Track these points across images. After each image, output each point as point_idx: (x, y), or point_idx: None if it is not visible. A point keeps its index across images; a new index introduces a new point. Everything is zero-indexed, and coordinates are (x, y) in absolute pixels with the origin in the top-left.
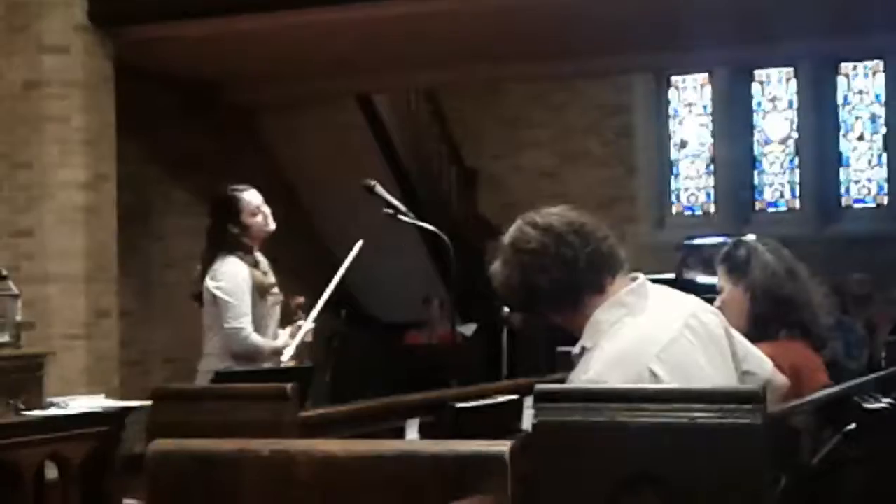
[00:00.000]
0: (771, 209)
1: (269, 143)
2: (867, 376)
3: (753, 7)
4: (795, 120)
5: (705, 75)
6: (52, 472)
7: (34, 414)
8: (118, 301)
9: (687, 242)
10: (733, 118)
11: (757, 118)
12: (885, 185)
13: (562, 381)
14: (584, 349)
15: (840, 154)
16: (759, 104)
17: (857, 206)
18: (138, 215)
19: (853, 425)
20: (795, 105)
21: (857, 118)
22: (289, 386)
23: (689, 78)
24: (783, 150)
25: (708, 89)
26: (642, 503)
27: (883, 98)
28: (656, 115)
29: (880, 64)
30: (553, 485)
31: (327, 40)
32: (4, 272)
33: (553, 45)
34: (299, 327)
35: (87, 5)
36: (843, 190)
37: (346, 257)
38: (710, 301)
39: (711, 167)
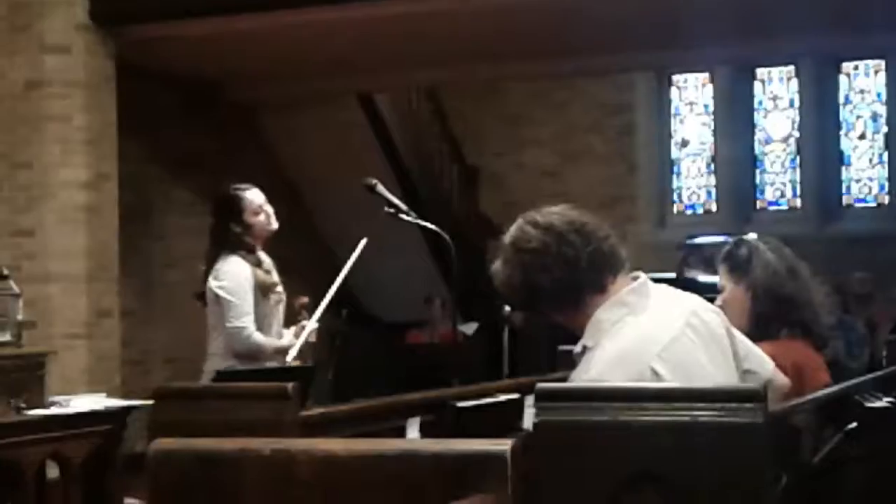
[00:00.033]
0: (772, 208)
1: (269, 142)
2: (868, 375)
3: (754, 5)
4: (797, 119)
5: (706, 74)
6: (53, 472)
7: (35, 413)
8: (119, 300)
9: (688, 241)
10: (734, 117)
11: (758, 117)
12: (886, 184)
13: (563, 379)
14: (585, 348)
15: (841, 153)
16: (760, 103)
17: (858, 205)
18: (139, 215)
19: (854, 424)
20: (797, 104)
21: (858, 117)
22: (290, 385)
23: (691, 77)
24: (784, 149)
25: (709, 88)
26: (644, 502)
27: (884, 97)
28: (658, 114)
29: (882, 63)
30: (555, 484)
31: (326, 39)
32: (6, 272)
33: (553, 44)
34: (303, 327)
35: (88, 5)
36: (844, 189)
37: (347, 256)
38: (711, 300)
39: (712, 166)
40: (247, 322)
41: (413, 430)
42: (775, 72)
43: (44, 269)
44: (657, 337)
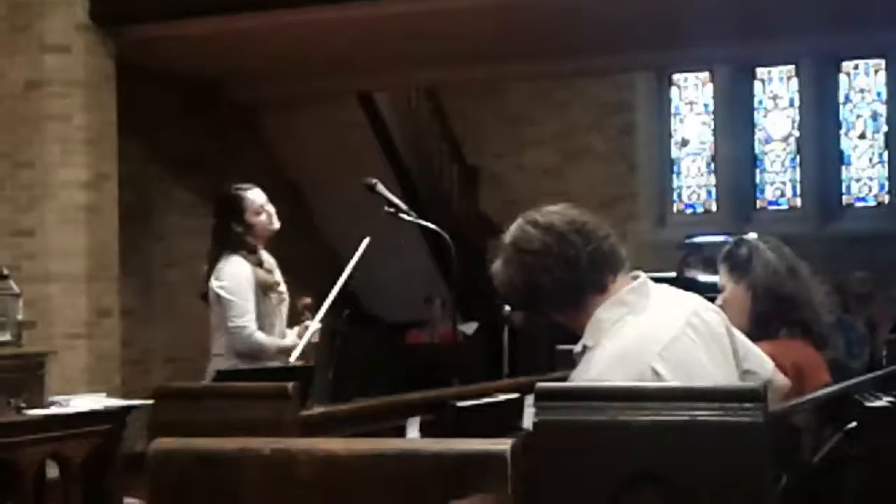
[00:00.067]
0: (772, 207)
1: (270, 141)
2: (868, 374)
3: (754, 5)
4: (797, 118)
5: (707, 73)
6: (53, 471)
7: (35, 413)
8: (119, 300)
9: (688, 241)
10: (735, 116)
11: (758, 116)
12: (887, 184)
13: (563, 379)
14: (585, 348)
15: (841, 152)
16: (760, 102)
17: (858, 204)
18: (140, 214)
19: (854, 423)
20: (797, 103)
21: (858, 116)
22: (290, 385)
23: (691, 76)
24: (784, 149)
25: (709, 87)
26: (644, 502)
27: (884, 96)
28: (658, 114)
29: (882, 62)
30: (554, 483)
31: (326, 39)
32: (6, 271)
33: (553, 44)
34: (306, 327)
35: (88, 5)
36: (844, 188)
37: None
38: (711, 299)
39: (712, 165)
40: (248, 321)
41: (413, 429)
42: (775, 71)
43: (44, 269)
44: (657, 336)
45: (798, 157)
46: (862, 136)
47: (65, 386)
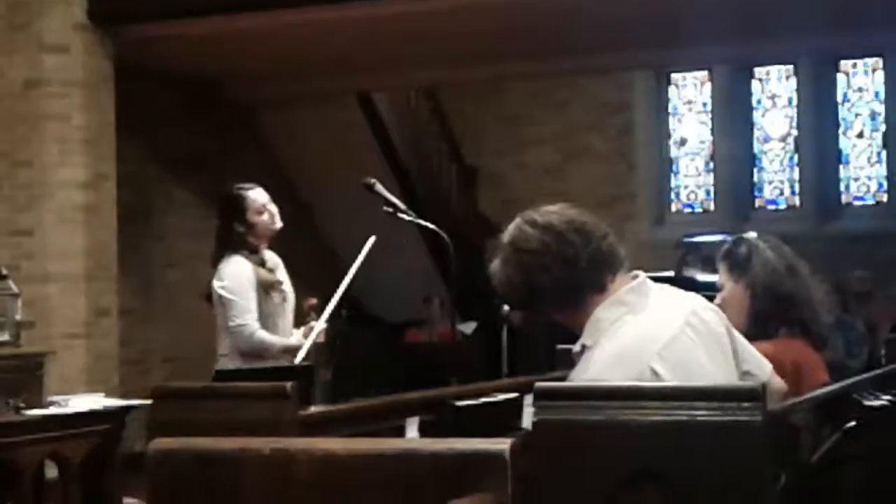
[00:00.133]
0: (771, 207)
1: (269, 141)
2: (867, 374)
3: (753, 5)
4: (795, 117)
5: (705, 73)
6: (52, 471)
7: (34, 413)
8: (118, 300)
9: (686, 240)
10: (733, 116)
11: (756, 116)
12: (885, 183)
13: (562, 378)
14: (584, 347)
15: (840, 151)
16: (758, 102)
17: (856, 203)
18: (138, 214)
19: (853, 422)
20: (795, 102)
21: (856, 115)
22: (289, 385)
23: (689, 75)
24: (783, 148)
25: (708, 87)
26: (643, 501)
27: (882, 95)
28: (656, 113)
29: (880, 61)
30: (554, 483)
31: (326, 39)
32: (4, 271)
33: (553, 43)
34: (312, 328)
35: (86, 4)
36: (842, 187)
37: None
38: (710, 298)
39: (711, 165)
40: (249, 320)
41: (412, 429)
42: (774, 70)
43: (42, 269)
44: (657, 336)
45: (796, 157)
46: (860, 136)
47: (63, 386)
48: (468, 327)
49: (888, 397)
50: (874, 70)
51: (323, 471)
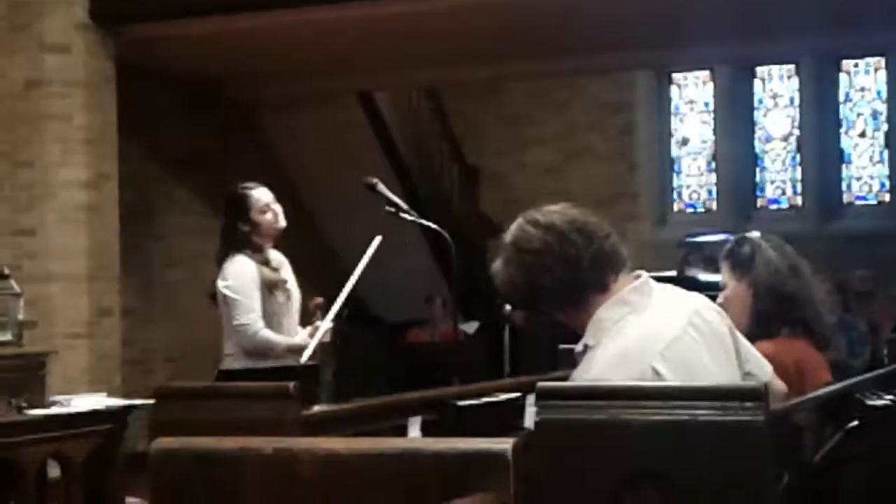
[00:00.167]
0: (773, 206)
1: (270, 141)
2: (869, 373)
3: (754, 4)
4: (797, 117)
5: (707, 72)
6: (54, 471)
7: (36, 412)
8: (120, 300)
9: (688, 240)
10: (735, 115)
11: (758, 115)
12: (887, 182)
13: (564, 378)
14: (586, 347)
15: (842, 151)
16: (760, 101)
17: (858, 202)
18: (140, 214)
19: (856, 422)
20: (797, 102)
21: (858, 115)
22: (291, 384)
23: (691, 75)
24: (785, 147)
25: (710, 86)
26: (645, 500)
27: (884, 95)
28: (658, 113)
29: (882, 61)
30: (556, 482)
31: (326, 39)
32: (7, 271)
33: (553, 43)
34: (317, 328)
35: (88, 4)
36: (844, 187)
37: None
38: (712, 298)
39: (713, 164)
40: (253, 319)
41: (414, 429)
42: (775, 70)
43: (45, 269)
44: (659, 336)
45: (798, 156)
46: (862, 135)
47: (66, 386)
48: (470, 327)
49: (891, 397)
50: (876, 69)
51: (325, 470)
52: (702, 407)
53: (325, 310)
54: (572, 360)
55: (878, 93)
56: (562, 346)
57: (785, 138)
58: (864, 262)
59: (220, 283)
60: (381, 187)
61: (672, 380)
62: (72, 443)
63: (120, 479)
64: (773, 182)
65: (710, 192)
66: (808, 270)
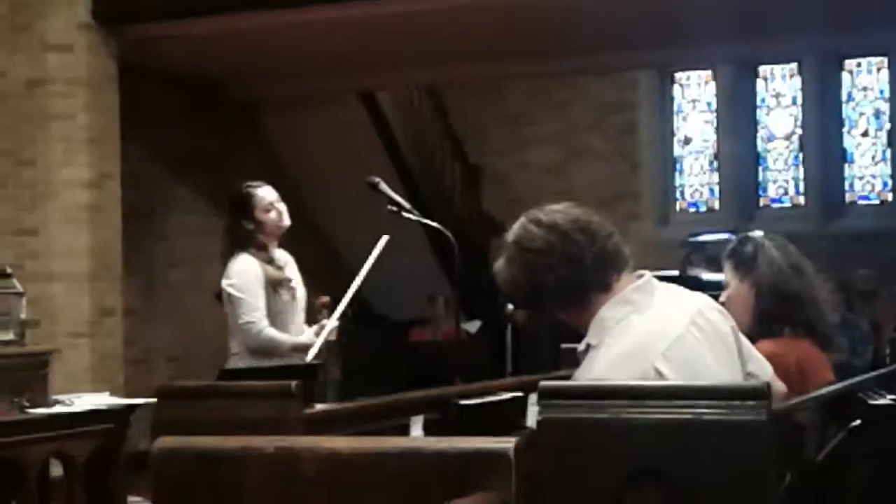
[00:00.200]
0: (775, 205)
1: (271, 141)
2: (872, 372)
3: (756, 3)
4: (799, 116)
5: (709, 72)
6: (56, 470)
7: (39, 411)
8: (122, 299)
9: (691, 239)
10: (737, 115)
11: (761, 114)
12: (890, 182)
13: (566, 377)
14: (589, 346)
15: (844, 150)
16: (762, 100)
17: (861, 202)
18: (142, 214)
19: (858, 421)
20: (799, 101)
21: (861, 114)
22: (293, 383)
23: (693, 74)
24: (787, 147)
25: (712, 86)
26: (647, 500)
27: (887, 94)
28: (660, 112)
29: (884, 60)
30: (558, 481)
31: (326, 38)
32: (9, 270)
33: (553, 42)
34: (323, 326)
35: (90, 4)
36: (847, 186)
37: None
38: (715, 297)
39: (715, 163)
40: (257, 317)
41: (416, 428)
42: (778, 69)
43: (47, 268)
44: (662, 335)
45: (801, 155)
46: (865, 134)
47: (68, 385)
48: (472, 326)
49: (893, 396)
50: (878, 69)
51: (327, 469)
52: (704, 406)
53: (331, 308)
54: (575, 360)
55: (881, 92)
56: (564, 346)
57: (787, 137)
58: (867, 262)
59: (225, 282)
60: (384, 186)
61: (674, 379)
62: (74, 442)
63: (122, 478)
64: (775, 181)
65: (712, 191)
66: (812, 270)
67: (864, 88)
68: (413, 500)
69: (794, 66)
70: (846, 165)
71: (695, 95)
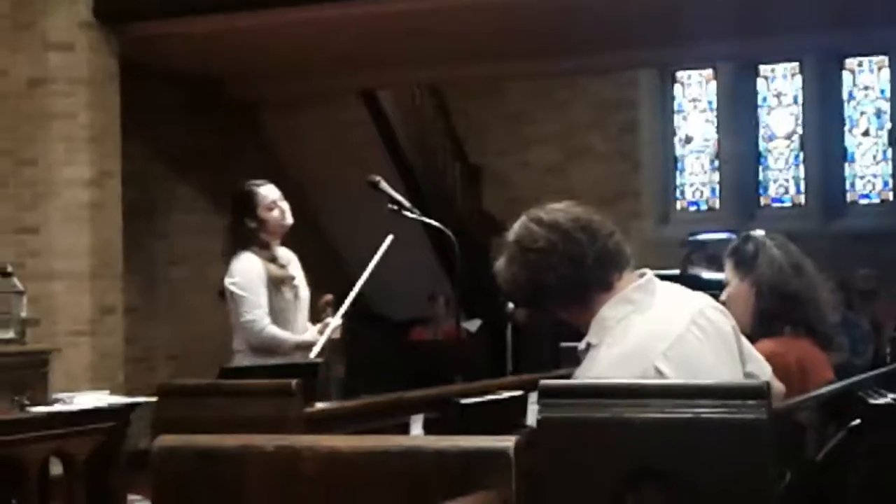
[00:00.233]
0: (776, 205)
1: (271, 139)
2: (872, 372)
3: (757, 2)
4: (800, 115)
5: (710, 71)
6: (56, 469)
7: (39, 410)
8: (123, 298)
9: (691, 238)
10: (738, 114)
11: (762, 114)
12: (890, 181)
13: (566, 376)
14: (589, 345)
15: (845, 149)
16: (763, 100)
17: (862, 201)
18: (143, 212)
19: (858, 420)
20: (800, 100)
21: (861, 113)
22: (294, 381)
23: (694, 73)
24: (788, 146)
25: (713, 85)
26: (647, 498)
27: (888, 93)
28: (661, 111)
29: (885, 59)
30: (558, 480)
31: (328, 37)
32: (10, 269)
33: (553, 42)
34: (327, 324)
35: (91, 2)
36: (847, 185)
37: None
38: (716, 297)
39: (716, 163)
40: (259, 315)
41: (417, 426)
42: (779, 68)
43: (48, 267)
44: (662, 335)
45: (802, 155)
46: (866, 134)
47: (68, 383)
48: (473, 325)
49: (893, 395)
50: (879, 68)
51: (327, 468)
52: (704, 405)
53: (335, 307)
54: (575, 359)
55: (882, 91)
56: (564, 344)
57: (788, 136)
58: (867, 261)
59: (227, 280)
60: (384, 185)
61: (675, 379)
62: (74, 440)
63: (122, 476)
64: (776, 180)
65: (713, 190)
66: (812, 269)
67: (865, 87)
68: (413, 499)
69: (795, 65)
70: (847, 165)
71: (695, 94)
